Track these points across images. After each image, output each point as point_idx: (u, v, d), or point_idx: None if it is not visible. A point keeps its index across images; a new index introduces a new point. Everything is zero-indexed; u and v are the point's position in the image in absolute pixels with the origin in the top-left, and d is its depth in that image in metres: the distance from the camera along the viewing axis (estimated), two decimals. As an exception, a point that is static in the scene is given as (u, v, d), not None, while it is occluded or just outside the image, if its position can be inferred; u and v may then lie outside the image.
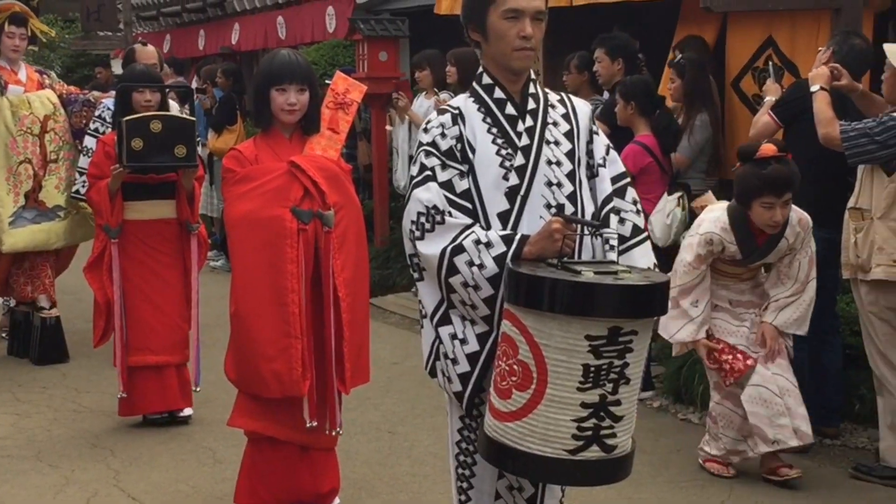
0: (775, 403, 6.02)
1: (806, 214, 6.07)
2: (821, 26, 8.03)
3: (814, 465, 6.53)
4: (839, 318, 6.95)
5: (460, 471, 4.08)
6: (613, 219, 3.98)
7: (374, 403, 7.67)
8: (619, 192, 4.04)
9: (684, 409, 7.50)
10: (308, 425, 5.29)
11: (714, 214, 6.09)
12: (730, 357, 6.11)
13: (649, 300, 3.56)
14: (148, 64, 8.31)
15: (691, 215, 7.55)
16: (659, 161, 7.75)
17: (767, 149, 5.83)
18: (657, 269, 3.95)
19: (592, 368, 3.47)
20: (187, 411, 7.34)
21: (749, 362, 6.06)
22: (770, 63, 8.29)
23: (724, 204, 6.13)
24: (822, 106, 6.24)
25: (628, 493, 5.99)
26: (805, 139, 6.50)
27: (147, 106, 7.07)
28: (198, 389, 7.17)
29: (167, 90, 7.52)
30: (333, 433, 5.41)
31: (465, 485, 4.07)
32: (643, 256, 3.99)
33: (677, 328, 6.11)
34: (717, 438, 6.32)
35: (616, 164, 4.08)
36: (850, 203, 6.27)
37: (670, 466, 6.50)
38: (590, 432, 3.53)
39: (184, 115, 7.21)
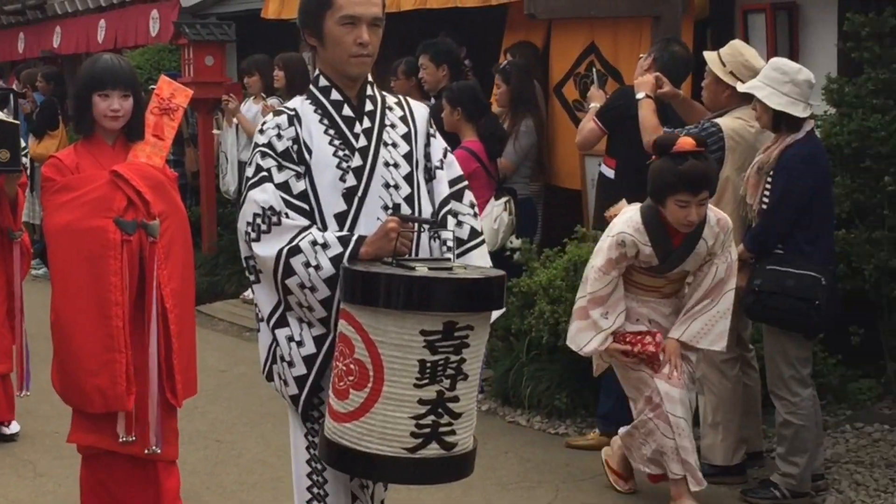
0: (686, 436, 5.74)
1: (725, 215, 5.74)
2: (642, 33, 8.18)
3: (638, 464, 6.64)
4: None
5: (314, 477, 4.02)
6: (451, 221, 3.99)
7: (201, 412, 7.56)
8: (457, 195, 4.05)
9: (512, 412, 7.56)
10: (122, 440, 5.07)
11: (626, 215, 5.68)
12: (638, 346, 5.70)
13: (484, 294, 3.56)
14: None
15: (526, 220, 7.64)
16: (485, 166, 7.81)
17: (685, 142, 5.46)
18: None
19: (429, 364, 3.47)
20: (14, 427, 7.12)
21: (658, 338, 5.70)
22: (594, 70, 8.43)
23: (638, 205, 5.75)
24: (647, 113, 6.37)
25: (457, 495, 6.02)
26: (628, 145, 6.62)
27: None
28: (26, 395, 6.92)
29: None
30: (148, 451, 5.14)
31: (320, 492, 4.02)
32: (480, 259, 4.00)
33: (586, 340, 5.71)
34: (640, 447, 5.94)
35: (453, 168, 4.10)
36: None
37: (498, 468, 6.54)
38: (428, 429, 3.52)
39: (7, 119, 6.96)
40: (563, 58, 9.09)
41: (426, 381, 3.48)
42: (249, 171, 3.89)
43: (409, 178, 3.95)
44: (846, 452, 6.70)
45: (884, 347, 7.42)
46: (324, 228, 3.82)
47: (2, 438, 7.08)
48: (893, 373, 7.40)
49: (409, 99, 4.14)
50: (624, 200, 6.14)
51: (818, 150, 6.01)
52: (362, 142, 3.91)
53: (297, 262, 3.75)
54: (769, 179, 5.86)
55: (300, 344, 3.84)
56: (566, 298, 7.15)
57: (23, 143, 6.93)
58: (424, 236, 3.93)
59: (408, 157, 3.97)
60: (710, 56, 6.31)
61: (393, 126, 3.98)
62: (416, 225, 3.84)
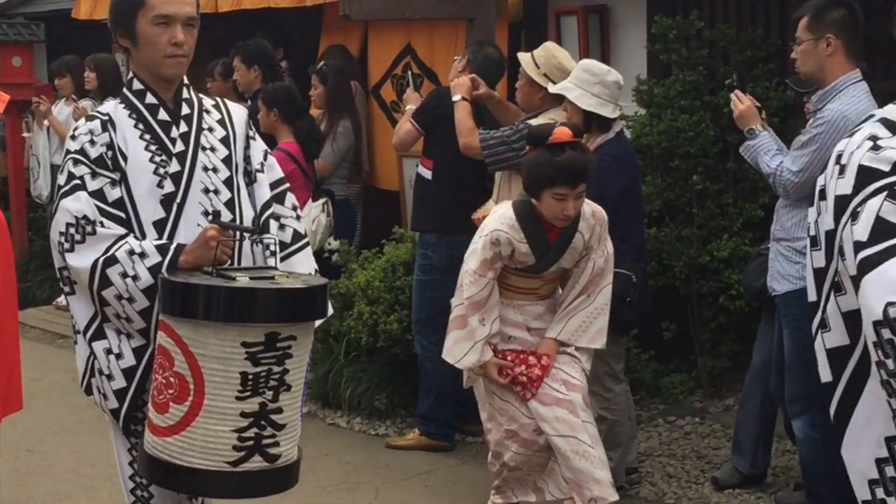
0: (591, 456, 5.23)
1: (600, 208, 5.43)
2: (458, 35, 8.25)
3: (457, 462, 6.70)
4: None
5: (139, 492, 3.92)
6: (273, 225, 3.93)
7: (10, 421, 7.31)
8: (279, 198, 4.00)
9: (332, 414, 7.54)
10: None
11: (499, 212, 5.33)
12: (523, 367, 5.28)
13: (307, 304, 3.53)
14: None
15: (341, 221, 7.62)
16: (303, 168, 7.77)
17: (562, 132, 5.10)
18: (318, 275, 3.93)
19: (251, 376, 3.41)
20: None
21: (544, 361, 5.29)
22: (409, 71, 8.46)
23: (509, 202, 5.44)
24: (462, 116, 6.41)
25: (275, 499, 5.95)
26: (444, 145, 6.65)
27: None
28: None
29: None
30: None
31: None
32: (304, 262, 3.96)
33: (464, 352, 5.27)
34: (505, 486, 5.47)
35: (274, 170, 4.04)
36: (490, 206, 6.45)
37: (318, 471, 6.51)
38: (251, 442, 3.47)
39: None
40: (380, 59, 9.12)
41: (248, 393, 3.43)
42: (61, 179, 3.76)
43: (228, 183, 3.87)
44: (659, 445, 6.86)
45: (694, 342, 7.61)
46: (142, 237, 3.73)
47: None
48: (704, 367, 7.60)
49: (226, 101, 4.07)
50: (491, 201, 5.97)
51: (627, 150, 6.13)
52: (179, 146, 3.82)
53: (113, 272, 3.65)
54: (582, 179, 5.95)
55: (119, 356, 3.74)
56: (384, 299, 7.17)
57: None
58: (247, 242, 3.86)
59: (227, 160, 3.89)
60: (524, 58, 6.39)
61: (211, 129, 3.89)
62: (237, 232, 3.77)
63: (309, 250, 4.02)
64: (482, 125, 6.48)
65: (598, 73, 5.92)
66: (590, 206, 5.37)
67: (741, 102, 5.59)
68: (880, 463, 2.44)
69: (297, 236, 3.99)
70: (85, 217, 3.68)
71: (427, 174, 6.90)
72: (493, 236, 5.18)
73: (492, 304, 5.24)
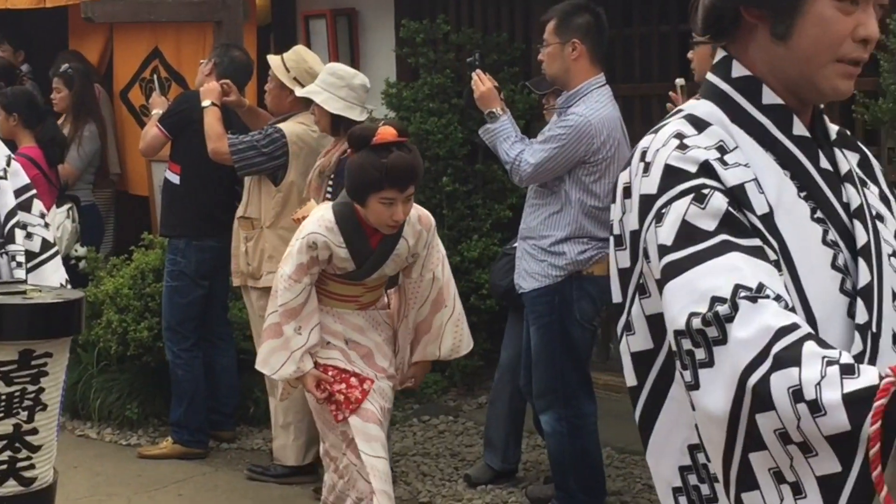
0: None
1: (426, 212, 5.21)
2: (206, 38, 8.16)
3: (211, 469, 6.62)
4: (231, 324, 7.08)
5: None
6: (20, 234, 3.68)
7: None
8: (24, 205, 3.75)
9: (82, 425, 7.35)
10: None
11: (318, 214, 5.01)
12: (343, 386, 4.94)
13: (62, 319, 3.31)
14: None
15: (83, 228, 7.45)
16: (45, 173, 7.56)
17: (386, 132, 4.79)
18: (69, 286, 3.76)
19: (4, 396, 3.17)
20: None
21: (366, 385, 4.97)
22: (155, 75, 8.33)
23: (329, 203, 5.14)
24: (212, 121, 6.34)
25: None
26: (192, 150, 6.57)
27: None
28: None
29: None
30: None
31: None
32: (55, 272, 3.74)
33: (281, 362, 4.92)
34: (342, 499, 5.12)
35: (19, 176, 3.78)
36: (239, 212, 6.41)
37: (67, 484, 6.33)
38: (5, 466, 3.23)
39: None
40: (127, 63, 8.95)
41: (2, 414, 3.19)
42: None
43: None
44: (414, 445, 6.93)
45: (447, 342, 7.70)
46: None
47: None
48: (457, 366, 7.70)
49: None
50: (312, 201, 5.61)
51: (376, 153, 6.17)
52: None
53: None
54: (330, 182, 5.96)
55: None
56: (134, 307, 7.04)
57: None
58: None
59: None
60: (273, 61, 6.36)
61: None
62: None
63: (58, 260, 3.83)
64: (231, 130, 6.43)
65: (344, 77, 5.94)
66: (416, 211, 5.09)
67: (482, 83, 5.60)
68: (683, 471, 2.37)
69: (45, 245, 3.76)
70: None
71: (175, 179, 6.80)
72: (309, 239, 4.86)
73: (309, 312, 4.90)
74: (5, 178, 3.73)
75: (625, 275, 2.34)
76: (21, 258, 3.64)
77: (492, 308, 7.34)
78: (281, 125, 6.25)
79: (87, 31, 9.08)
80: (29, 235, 3.72)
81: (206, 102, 6.42)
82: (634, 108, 7.27)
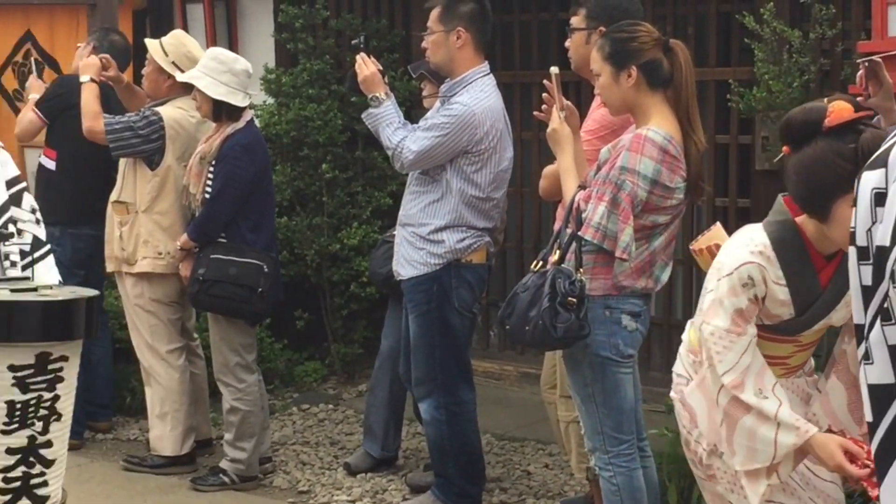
0: None
1: None
2: (80, 22, 8.00)
3: (87, 460, 6.51)
4: (106, 313, 6.97)
5: None
6: (11, 230, 3.47)
7: None
8: (15, 199, 3.53)
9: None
10: None
11: (743, 237, 3.60)
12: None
13: (81, 319, 3.06)
14: None
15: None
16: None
17: (842, 109, 3.39)
18: (63, 285, 3.46)
19: (19, 405, 2.95)
20: None
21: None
22: (31, 58, 8.16)
23: (756, 225, 3.64)
24: (90, 98, 6.22)
25: None
26: (69, 135, 6.45)
27: None
28: None
29: None
30: None
31: None
32: (47, 272, 3.53)
33: (770, 438, 3.45)
34: None
35: (8, 167, 3.58)
36: (114, 196, 6.31)
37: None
38: (18, 483, 3.01)
39: None
40: (-2, 45, 8.74)
41: (15, 425, 2.96)
42: None
43: None
44: (293, 434, 6.89)
45: (327, 330, 7.70)
46: None
47: None
48: (337, 354, 7.69)
49: None
50: (718, 224, 4.14)
51: (258, 139, 6.13)
52: None
53: None
54: (211, 168, 5.90)
55: None
56: None
57: None
58: None
59: None
60: (152, 45, 6.26)
61: None
62: None
63: (51, 259, 3.60)
64: (108, 111, 6.31)
65: (226, 62, 5.89)
66: None
67: (366, 67, 5.52)
68: None
69: (38, 243, 3.55)
70: None
71: (50, 164, 6.66)
72: (742, 273, 3.49)
73: (761, 366, 3.52)
74: None
75: (867, 293, 2.04)
76: (16, 257, 3.42)
77: (372, 296, 7.34)
78: (159, 109, 6.16)
79: (-43, 12, 8.86)
80: (20, 232, 3.49)
81: (84, 78, 6.30)
82: (514, 95, 7.31)
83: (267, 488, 6.13)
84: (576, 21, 4.97)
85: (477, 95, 5.39)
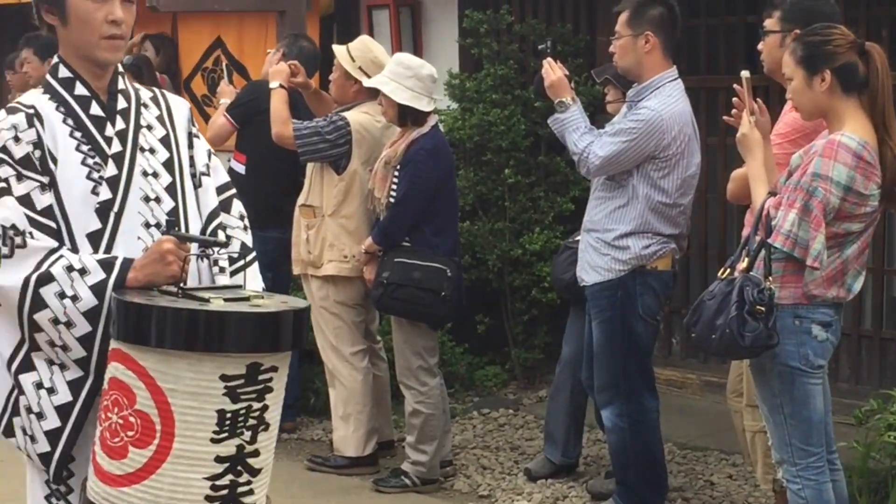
0: None
1: None
2: (268, 28, 8.17)
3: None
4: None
5: None
6: (220, 237, 3.40)
7: None
8: (225, 206, 3.49)
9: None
10: None
11: None
12: None
13: (290, 330, 3.06)
14: None
15: None
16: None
17: None
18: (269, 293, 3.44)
19: (229, 414, 2.95)
20: None
21: None
22: (221, 65, 8.35)
23: None
24: (278, 104, 6.33)
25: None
26: (258, 140, 6.57)
27: None
28: None
29: None
30: None
31: None
32: (253, 280, 3.46)
33: None
34: None
35: (220, 173, 3.52)
36: (301, 200, 6.40)
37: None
38: (226, 491, 3.00)
39: None
40: (190, 52, 8.96)
41: (225, 434, 2.96)
42: None
43: (171, 190, 3.33)
44: (474, 438, 6.91)
45: (508, 335, 7.69)
46: (75, 251, 3.17)
47: None
48: (517, 359, 7.68)
49: (166, 93, 3.51)
50: None
51: (442, 144, 6.16)
52: (116, 147, 3.26)
53: (48, 292, 3.08)
54: (396, 173, 5.95)
55: (51, 391, 3.16)
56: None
57: None
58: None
59: (168, 164, 3.35)
60: (339, 51, 6.35)
61: (150, 127, 3.35)
62: (196, 246, 3.28)
63: (256, 266, 3.51)
64: (297, 116, 6.42)
65: (412, 67, 5.93)
66: None
67: (553, 72, 5.49)
68: None
69: (245, 250, 3.48)
70: (13, 226, 3.13)
71: (241, 169, 6.81)
72: None
73: None
74: (208, 174, 3.47)
75: None
76: (224, 263, 3.40)
77: (553, 301, 7.30)
78: (345, 114, 6.23)
79: (151, 20, 9.10)
80: (228, 239, 3.43)
81: (273, 84, 6.41)
82: (700, 100, 7.20)
83: (448, 492, 6.15)
84: (770, 23, 4.87)
85: (665, 100, 5.32)
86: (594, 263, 5.50)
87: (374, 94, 6.09)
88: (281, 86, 6.39)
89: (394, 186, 5.97)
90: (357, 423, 6.34)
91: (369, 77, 6.11)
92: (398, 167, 5.95)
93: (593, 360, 5.64)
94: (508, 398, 7.58)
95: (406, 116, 5.93)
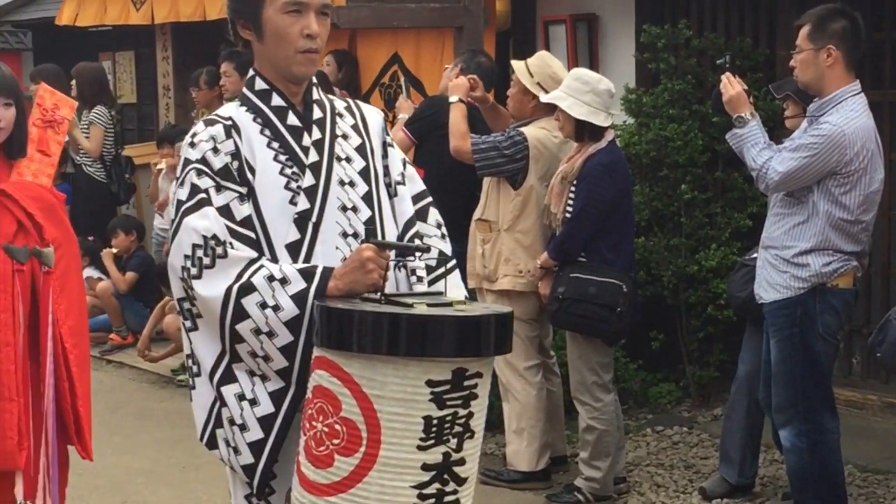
0: None
1: None
2: (445, 44, 8.25)
3: (446, 472, 6.66)
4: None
5: None
6: (418, 244, 3.40)
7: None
8: (421, 214, 3.50)
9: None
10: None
11: None
12: None
13: (495, 335, 3.02)
14: None
15: None
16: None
17: None
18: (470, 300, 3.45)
19: (435, 421, 2.93)
20: None
21: None
22: (400, 80, 8.46)
23: None
24: (457, 118, 6.38)
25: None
26: (437, 155, 6.64)
27: None
28: None
29: None
30: None
31: None
32: (454, 288, 3.39)
33: None
34: None
35: (415, 182, 3.54)
36: (477, 214, 6.45)
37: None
38: (433, 500, 2.97)
39: None
40: (368, 68, 9.10)
41: (431, 441, 2.93)
42: (182, 193, 3.20)
43: (367, 199, 3.34)
44: (647, 455, 6.85)
45: (682, 352, 7.62)
46: (274, 262, 3.19)
47: None
48: (692, 376, 7.60)
49: (360, 103, 3.55)
50: None
51: (619, 159, 6.14)
52: (313, 156, 3.28)
53: (250, 302, 3.10)
54: (573, 188, 5.95)
55: (253, 402, 3.18)
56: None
57: None
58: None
59: (364, 173, 3.36)
60: (517, 66, 6.38)
61: (345, 137, 3.37)
62: (395, 253, 3.28)
63: (458, 274, 3.49)
64: (474, 131, 6.47)
65: (589, 82, 5.92)
66: None
67: (731, 87, 5.43)
68: None
69: (444, 258, 3.46)
70: (215, 237, 3.15)
71: (419, 183, 6.87)
72: None
73: None
74: (403, 183, 3.48)
75: None
76: (422, 272, 3.39)
77: (729, 318, 7.21)
78: (523, 129, 6.26)
79: (330, 36, 9.24)
80: (427, 248, 3.41)
81: (453, 98, 6.47)
82: (884, 114, 7.04)
83: (621, 508, 6.14)
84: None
85: (847, 115, 5.21)
86: (773, 281, 5.42)
87: (551, 109, 6.11)
88: (460, 100, 6.44)
89: (570, 202, 5.97)
90: (530, 437, 6.35)
91: (547, 92, 6.12)
92: (574, 182, 5.95)
93: (771, 379, 5.55)
94: (682, 416, 7.51)
95: (583, 132, 5.93)
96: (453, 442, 2.95)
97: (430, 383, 2.91)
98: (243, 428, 3.19)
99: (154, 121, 11.86)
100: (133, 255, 9.88)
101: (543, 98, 6.11)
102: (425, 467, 2.93)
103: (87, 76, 10.01)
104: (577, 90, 5.89)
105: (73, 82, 9.97)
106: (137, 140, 11.98)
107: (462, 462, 2.98)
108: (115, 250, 9.76)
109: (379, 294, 3.08)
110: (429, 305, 3.01)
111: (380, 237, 3.32)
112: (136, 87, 12.54)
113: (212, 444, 3.27)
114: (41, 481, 4.42)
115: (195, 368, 3.27)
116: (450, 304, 3.07)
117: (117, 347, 9.73)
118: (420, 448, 2.93)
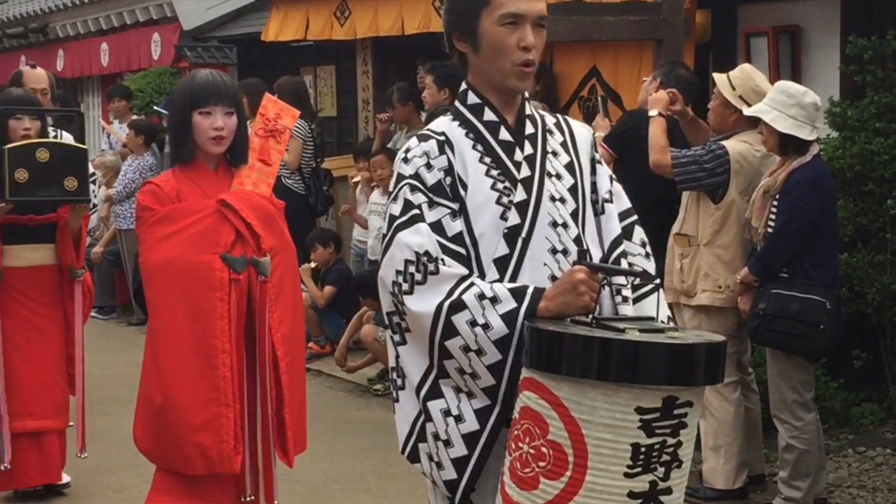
0: None
1: None
2: (643, 57, 8.19)
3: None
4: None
5: None
6: (622, 265, 3.35)
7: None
8: (627, 232, 3.42)
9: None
10: (245, 499, 4.62)
11: None
12: None
13: (707, 364, 2.96)
14: (37, 89, 7.16)
15: None
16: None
17: None
18: (672, 322, 3.42)
19: (643, 449, 2.89)
20: (65, 478, 6.49)
21: None
22: (597, 96, 8.44)
23: None
24: (657, 132, 6.34)
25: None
26: (635, 169, 6.60)
27: (26, 135, 6.05)
28: (84, 456, 6.32)
29: (50, 116, 6.66)
30: None
31: None
32: (659, 307, 3.37)
33: None
34: None
35: (622, 199, 3.47)
36: (675, 229, 6.40)
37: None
38: None
39: (74, 144, 6.36)
40: (566, 81, 9.10)
41: (639, 469, 2.90)
42: (395, 208, 3.22)
43: (574, 216, 3.29)
44: (848, 476, 6.69)
45: (886, 371, 7.42)
46: (481, 276, 3.19)
47: (53, 492, 6.44)
48: (896, 397, 7.40)
49: (569, 119, 3.50)
50: None
51: (824, 174, 6.01)
52: (525, 171, 3.25)
53: (460, 319, 3.10)
54: (775, 203, 5.86)
55: (459, 419, 3.16)
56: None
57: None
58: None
59: (573, 190, 3.31)
60: (719, 79, 6.31)
61: (555, 154, 3.33)
62: (607, 276, 3.24)
63: (660, 294, 3.42)
64: (674, 145, 6.42)
65: (794, 95, 5.82)
66: None
67: None
68: None
69: (647, 278, 3.40)
70: (427, 253, 3.15)
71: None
72: None
73: None
74: (610, 200, 3.42)
75: None
76: (627, 292, 3.33)
77: (936, 338, 7.00)
78: (724, 142, 6.18)
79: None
80: (630, 267, 3.37)
81: (653, 112, 6.44)
82: None
83: (822, 530, 6.00)
84: None
85: None
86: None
87: (753, 122, 6.02)
88: (660, 114, 6.40)
89: (772, 216, 5.87)
90: (728, 455, 6.26)
91: (749, 106, 6.04)
92: (777, 197, 5.85)
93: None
94: (886, 437, 7.30)
95: (788, 145, 5.83)
96: (660, 471, 2.90)
97: (639, 410, 2.87)
98: (448, 444, 3.18)
99: (353, 134, 12.08)
100: (332, 268, 10.07)
101: (747, 111, 6.02)
102: (631, 495, 2.90)
103: (287, 90, 10.22)
104: (783, 103, 5.79)
105: (275, 96, 10.18)
106: (337, 153, 12.21)
107: (669, 491, 2.94)
108: (313, 265, 9.96)
109: (590, 317, 3.05)
110: (640, 331, 2.97)
111: (586, 256, 3.26)
112: (336, 100, 12.80)
113: (413, 457, 3.28)
114: (260, 483, 4.60)
115: (400, 382, 3.28)
116: (661, 331, 3.02)
117: (315, 356, 9.93)
118: (627, 475, 2.89)
